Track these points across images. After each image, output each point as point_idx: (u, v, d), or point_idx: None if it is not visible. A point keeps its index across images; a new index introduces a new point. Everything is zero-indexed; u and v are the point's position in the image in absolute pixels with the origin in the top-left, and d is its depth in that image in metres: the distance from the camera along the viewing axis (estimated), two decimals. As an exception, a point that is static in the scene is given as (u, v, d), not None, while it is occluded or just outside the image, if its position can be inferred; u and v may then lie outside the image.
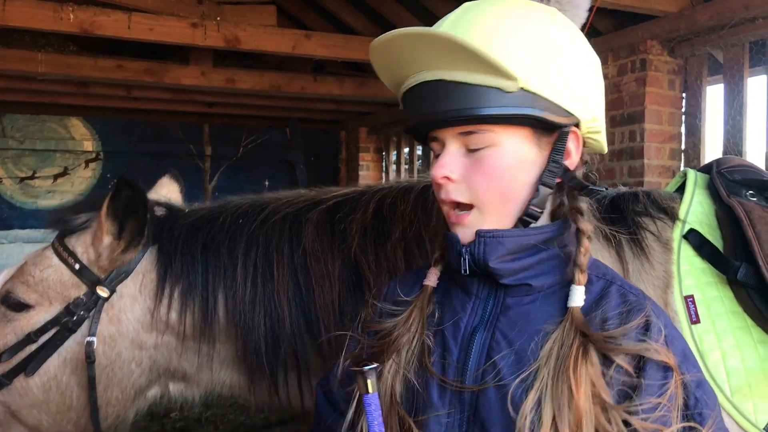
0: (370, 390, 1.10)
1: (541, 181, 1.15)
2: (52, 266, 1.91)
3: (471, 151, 1.13)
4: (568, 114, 1.14)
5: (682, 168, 4.83)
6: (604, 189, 1.16)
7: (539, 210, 1.15)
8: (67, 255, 1.91)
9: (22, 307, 1.88)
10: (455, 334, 1.18)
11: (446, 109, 1.10)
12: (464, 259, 1.14)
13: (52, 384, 1.86)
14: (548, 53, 1.12)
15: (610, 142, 4.96)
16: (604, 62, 4.96)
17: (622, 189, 1.84)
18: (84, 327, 1.85)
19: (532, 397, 1.05)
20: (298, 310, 1.80)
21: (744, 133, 4.30)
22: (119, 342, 1.87)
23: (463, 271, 1.15)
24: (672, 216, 1.68)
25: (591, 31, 4.74)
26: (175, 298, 1.86)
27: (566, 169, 1.17)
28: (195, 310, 1.85)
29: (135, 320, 1.88)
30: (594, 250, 1.64)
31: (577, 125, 1.17)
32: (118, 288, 1.88)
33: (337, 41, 5.92)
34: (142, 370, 1.91)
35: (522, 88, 1.09)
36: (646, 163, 4.71)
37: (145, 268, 1.90)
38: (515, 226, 1.15)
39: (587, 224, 1.17)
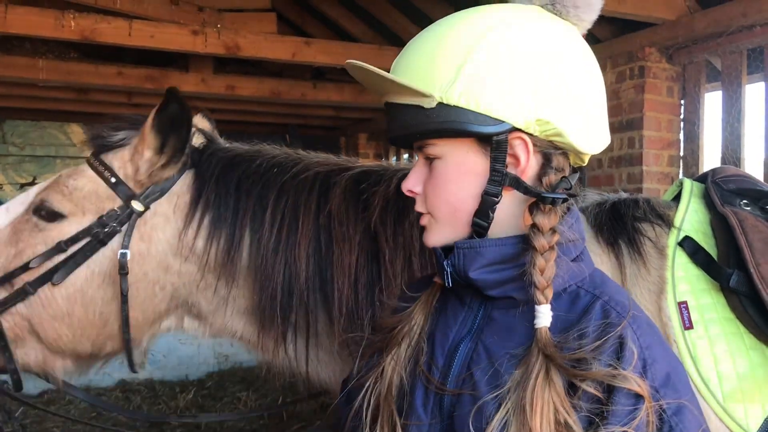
0: None
1: (484, 191, 1.13)
2: (88, 177, 1.93)
3: (429, 163, 1.18)
4: (498, 122, 1.09)
5: (680, 175, 4.85)
6: (562, 196, 1.10)
7: (484, 222, 1.14)
8: (103, 169, 1.93)
9: (54, 216, 1.90)
10: (443, 342, 1.19)
11: (392, 126, 1.19)
12: (447, 272, 1.17)
13: (78, 296, 1.88)
14: (475, 65, 1.09)
15: (609, 148, 4.97)
16: (603, 69, 4.95)
17: (623, 195, 1.86)
18: (116, 241, 1.87)
19: (498, 417, 1.05)
20: (315, 267, 1.83)
21: (742, 140, 4.31)
22: (147, 261, 1.88)
23: (446, 284, 1.18)
24: (668, 223, 1.70)
25: (589, 38, 4.74)
26: (204, 226, 1.88)
27: (515, 178, 1.12)
28: (221, 241, 1.87)
29: (165, 241, 1.90)
30: (594, 254, 1.67)
31: (519, 130, 1.11)
32: (153, 206, 1.90)
33: (337, 48, 5.95)
34: (164, 295, 1.93)
35: (440, 103, 1.10)
36: (644, 169, 4.72)
37: (180, 190, 1.92)
38: (470, 236, 1.16)
39: (541, 241, 1.08)
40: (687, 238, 1.65)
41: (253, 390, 7.18)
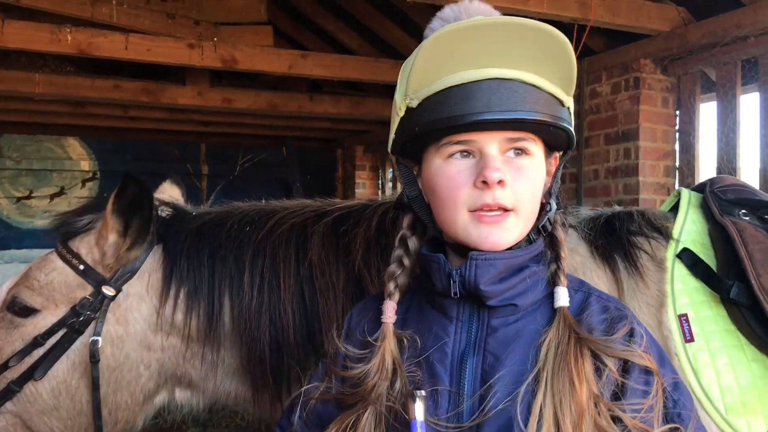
0: (419, 417, 1.10)
1: (552, 196, 1.21)
2: (57, 269, 1.91)
3: (509, 157, 1.12)
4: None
5: (676, 185, 4.86)
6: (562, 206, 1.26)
7: (549, 226, 1.20)
8: (70, 256, 1.91)
9: (28, 311, 1.88)
10: (442, 360, 1.15)
11: (524, 110, 1.09)
12: (454, 282, 1.13)
13: (62, 388, 1.85)
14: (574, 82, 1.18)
15: (605, 159, 4.99)
16: (598, 80, 5.01)
17: (617, 208, 1.85)
18: (91, 328, 1.85)
19: (539, 398, 1.06)
20: (302, 321, 1.80)
21: (737, 150, 4.32)
22: (127, 343, 1.86)
23: (453, 294, 1.13)
24: (666, 235, 1.69)
25: (585, 49, 4.78)
26: (180, 299, 1.86)
27: (558, 183, 1.24)
28: (200, 312, 1.85)
29: (142, 320, 1.88)
30: (590, 269, 1.66)
31: None
32: (125, 287, 1.88)
33: (333, 61, 5.96)
34: (150, 374, 1.90)
35: (567, 107, 1.15)
36: (641, 180, 4.73)
37: (151, 267, 1.90)
38: (528, 240, 1.18)
39: (563, 233, 1.22)
40: (685, 249, 1.64)
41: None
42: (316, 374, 1.32)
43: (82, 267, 1.89)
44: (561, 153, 1.24)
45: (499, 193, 1.09)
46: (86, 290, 1.87)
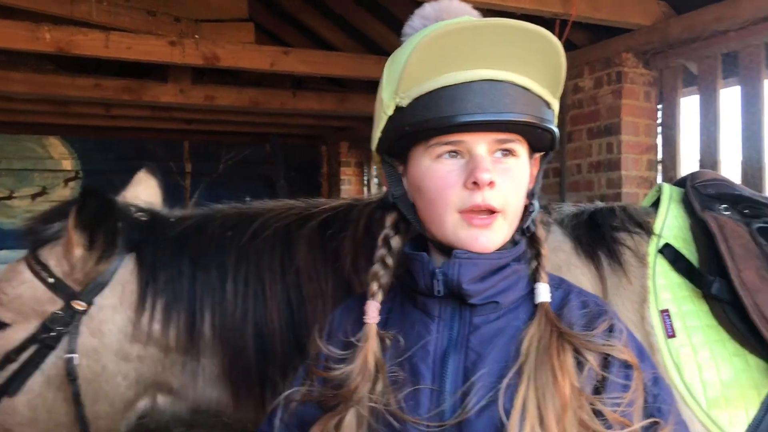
0: None
1: (534, 196, 1.21)
2: (26, 281, 1.83)
3: (496, 157, 1.13)
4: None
5: (659, 179, 4.89)
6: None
7: (533, 227, 1.21)
8: (40, 269, 1.83)
9: None
10: (424, 358, 1.15)
11: (515, 112, 1.10)
12: (437, 280, 1.13)
13: (38, 402, 1.81)
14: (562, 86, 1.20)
15: (588, 154, 5.02)
16: (581, 75, 5.03)
17: (599, 204, 1.85)
18: (64, 342, 1.78)
19: (522, 392, 1.06)
20: (289, 329, 1.75)
21: (719, 144, 4.35)
22: (103, 355, 1.80)
23: (436, 293, 1.14)
24: (647, 231, 1.69)
25: (567, 44, 4.79)
26: (157, 310, 1.80)
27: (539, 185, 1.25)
28: (180, 323, 1.79)
29: (118, 331, 1.81)
30: (574, 266, 1.66)
31: None
32: (96, 299, 1.81)
33: (316, 57, 5.94)
34: (129, 383, 1.85)
35: (553, 109, 1.16)
36: (623, 174, 4.75)
37: (124, 279, 1.83)
38: (513, 241, 1.18)
39: (543, 231, 1.25)
40: (667, 245, 1.64)
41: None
42: (297, 377, 1.31)
43: (51, 280, 1.82)
44: (543, 154, 1.25)
45: (489, 194, 1.09)
46: (56, 304, 1.81)
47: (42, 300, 1.82)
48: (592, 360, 1.09)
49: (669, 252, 1.63)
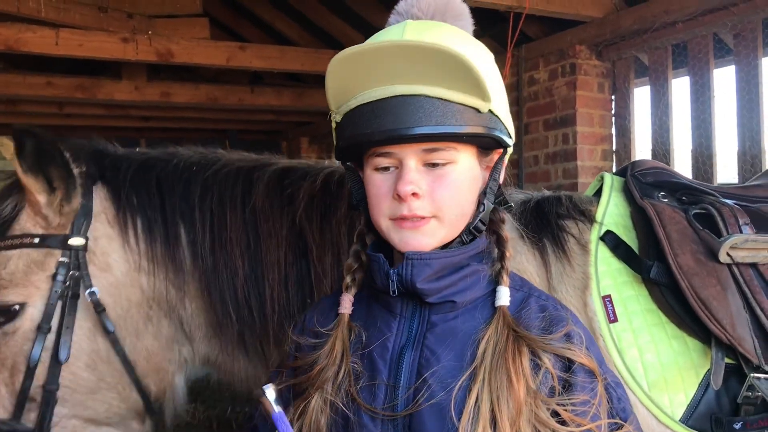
0: (275, 409, 1.13)
1: (486, 197, 1.21)
2: (12, 257, 1.77)
3: (429, 166, 1.15)
4: (510, 137, 1.21)
5: (614, 168, 4.97)
6: (512, 205, 1.28)
7: (483, 226, 1.21)
8: (18, 240, 1.77)
9: (12, 312, 1.73)
10: (383, 354, 1.19)
11: (429, 124, 1.11)
12: (392, 281, 1.16)
13: (95, 357, 1.76)
14: (498, 78, 1.21)
15: (544, 145, 5.08)
16: (536, 67, 5.08)
17: (546, 193, 1.88)
18: (83, 287, 1.74)
19: (474, 393, 1.09)
20: (250, 264, 1.79)
21: (671, 133, 4.45)
22: (121, 287, 1.79)
23: (391, 293, 1.17)
24: (589, 218, 1.73)
25: (522, 37, 4.84)
26: (139, 229, 1.81)
27: (499, 186, 1.25)
28: (158, 242, 1.81)
29: (123, 260, 1.81)
30: (519, 252, 1.68)
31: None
32: (89, 234, 1.79)
33: (272, 52, 5.90)
34: (157, 314, 1.83)
35: (490, 110, 1.15)
36: (579, 164, 4.83)
37: (103, 207, 1.82)
38: (460, 240, 1.19)
39: (508, 233, 1.25)
40: (608, 232, 1.68)
41: (200, 401, 7.06)
42: (270, 380, 1.34)
43: (36, 240, 1.77)
44: (502, 150, 1.25)
45: (415, 204, 1.13)
46: (56, 255, 1.76)
47: (40, 260, 1.77)
48: (548, 362, 1.12)
49: (610, 239, 1.67)
